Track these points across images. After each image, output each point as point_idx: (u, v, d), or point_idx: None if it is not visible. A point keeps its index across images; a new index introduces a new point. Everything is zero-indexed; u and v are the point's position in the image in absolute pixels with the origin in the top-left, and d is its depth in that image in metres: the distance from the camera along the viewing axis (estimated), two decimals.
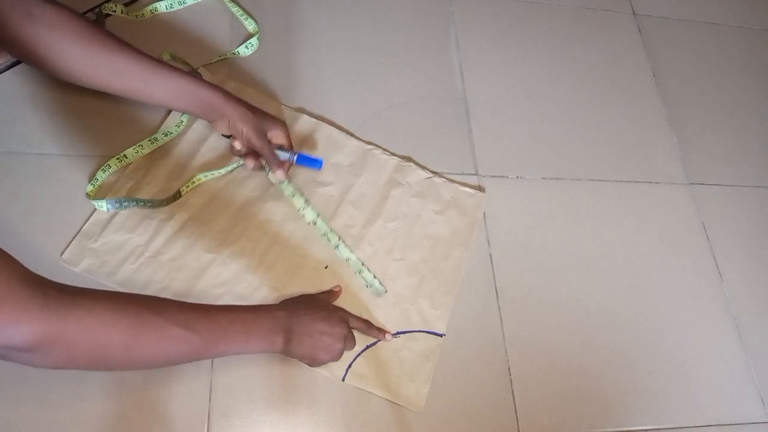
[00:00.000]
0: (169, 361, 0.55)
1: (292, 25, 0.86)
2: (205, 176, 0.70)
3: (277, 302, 0.64)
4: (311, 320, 0.59)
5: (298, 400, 0.61)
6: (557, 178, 0.83)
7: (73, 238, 0.63)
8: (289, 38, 0.85)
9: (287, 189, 0.71)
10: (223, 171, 0.71)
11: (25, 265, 0.61)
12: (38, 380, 0.57)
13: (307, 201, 0.71)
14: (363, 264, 0.69)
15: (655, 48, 1.01)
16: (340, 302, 0.67)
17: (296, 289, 0.66)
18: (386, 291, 0.69)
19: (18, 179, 0.66)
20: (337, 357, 0.62)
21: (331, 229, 0.70)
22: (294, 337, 0.58)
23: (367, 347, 0.65)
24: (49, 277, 0.62)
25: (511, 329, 0.70)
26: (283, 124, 0.70)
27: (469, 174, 0.80)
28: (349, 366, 0.63)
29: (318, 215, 0.70)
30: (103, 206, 0.65)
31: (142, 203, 0.66)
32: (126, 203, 0.65)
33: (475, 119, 0.85)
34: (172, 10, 0.82)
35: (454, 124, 0.84)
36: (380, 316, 0.67)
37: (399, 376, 0.64)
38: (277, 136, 0.69)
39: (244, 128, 0.67)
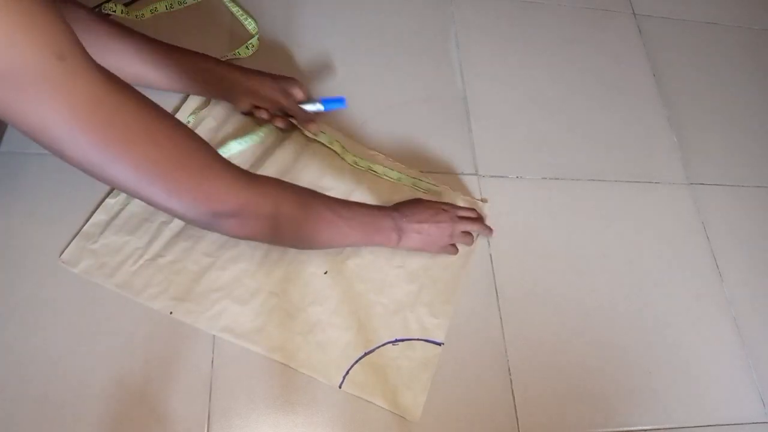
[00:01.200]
0: (322, 242, 0.64)
1: (292, 25, 0.86)
2: (240, 144, 0.72)
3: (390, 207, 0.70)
4: (418, 219, 0.68)
5: (297, 400, 0.61)
6: (557, 178, 0.83)
7: (73, 238, 0.63)
8: (289, 38, 0.85)
9: (324, 138, 0.75)
10: (257, 137, 0.73)
11: (24, 264, 0.62)
12: (38, 380, 0.57)
13: (344, 147, 0.76)
14: (415, 177, 0.76)
15: (655, 48, 1.01)
16: (341, 302, 0.67)
17: (295, 295, 0.66)
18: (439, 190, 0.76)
19: (18, 179, 0.66)
20: (452, 250, 0.71)
21: (374, 162, 0.76)
22: (404, 235, 0.67)
23: (365, 354, 0.65)
24: (48, 279, 0.62)
25: (511, 329, 0.70)
26: (297, 80, 0.74)
27: (469, 174, 0.80)
28: (346, 373, 0.63)
29: (356, 156, 0.76)
30: None
31: None
32: None
33: (475, 119, 0.85)
34: (172, 10, 0.82)
35: (454, 124, 0.84)
36: (379, 323, 0.67)
37: (396, 385, 0.64)
38: (296, 93, 0.73)
39: (272, 97, 0.70)
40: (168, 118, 0.49)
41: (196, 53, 0.70)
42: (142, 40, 0.67)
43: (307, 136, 0.75)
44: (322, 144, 0.75)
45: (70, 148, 0.44)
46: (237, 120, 0.74)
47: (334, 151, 0.75)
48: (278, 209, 0.57)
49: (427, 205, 0.70)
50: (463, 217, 0.71)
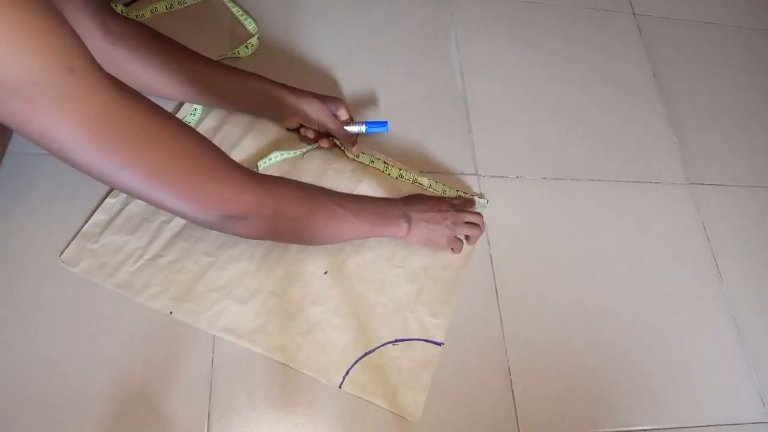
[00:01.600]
0: (331, 236, 0.65)
1: (292, 25, 0.86)
2: (281, 155, 0.73)
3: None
4: (423, 209, 0.69)
5: (297, 400, 0.61)
6: (557, 178, 0.83)
7: (73, 238, 0.63)
8: (289, 38, 0.85)
9: (365, 158, 0.76)
10: (299, 152, 0.74)
11: (24, 264, 0.62)
12: (38, 380, 0.57)
13: (386, 162, 0.76)
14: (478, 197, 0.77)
15: (655, 48, 1.01)
16: (341, 302, 0.67)
17: (295, 294, 0.66)
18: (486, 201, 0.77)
19: (18, 179, 0.66)
20: (458, 244, 0.70)
21: (420, 173, 0.77)
22: (413, 223, 0.67)
23: (366, 354, 0.65)
24: (48, 279, 0.62)
25: (511, 329, 0.70)
26: (342, 101, 0.75)
27: (469, 174, 0.80)
28: (346, 373, 0.63)
29: (401, 169, 0.76)
30: None
31: None
32: None
33: (475, 119, 0.85)
34: (172, 9, 0.82)
35: (454, 124, 0.84)
36: (379, 323, 0.67)
37: (396, 385, 0.64)
38: (342, 113, 0.74)
39: (320, 118, 0.72)
40: (175, 122, 0.50)
41: (245, 72, 0.71)
42: (199, 59, 0.68)
43: (348, 157, 0.76)
44: (364, 164, 0.76)
45: (80, 157, 0.44)
46: (237, 119, 0.74)
47: (378, 170, 0.76)
48: (286, 208, 0.58)
49: (429, 197, 0.72)
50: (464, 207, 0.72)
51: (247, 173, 0.55)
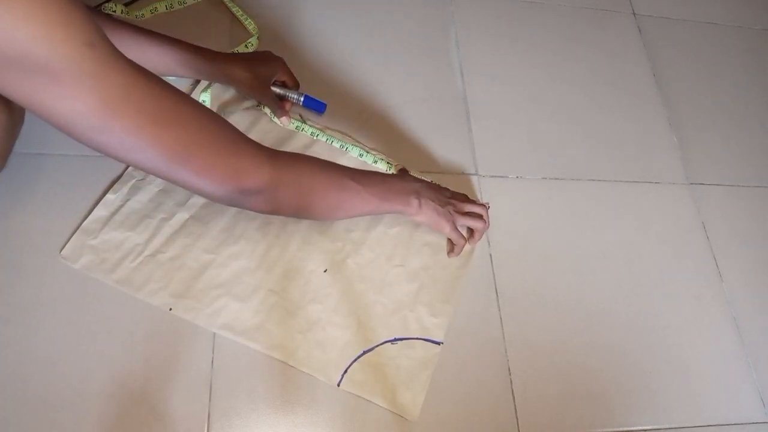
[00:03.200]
0: (345, 211, 0.65)
1: (292, 25, 0.86)
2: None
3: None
4: (437, 191, 0.70)
5: (297, 400, 0.61)
6: (557, 178, 0.83)
7: (73, 234, 0.63)
8: (289, 38, 0.85)
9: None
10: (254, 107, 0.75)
11: (24, 260, 0.62)
12: (38, 380, 0.57)
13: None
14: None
15: (655, 48, 1.01)
16: (340, 301, 0.67)
17: (295, 293, 0.66)
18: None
19: (18, 177, 0.66)
20: (461, 238, 0.70)
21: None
22: (423, 201, 0.67)
23: (364, 353, 0.65)
24: (48, 275, 0.62)
25: (511, 329, 0.70)
26: (281, 62, 0.74)
27: (469, 174, 0.80)
28: (345, 371, 0.63)
29: (343, 144, 0.76)
30: None
31: None
32: None
33: (475, 119, 0.85)
34: (172, 10, 0.82)
35: (454, 124, 0.84)
36: (379, 322, 0.66)
37: (395, 384, 0.64)
38: (279, 75, 0.74)
39: (244, 81, 0.70)
40: (190, 101, 0.50)
41: (177, 42, 0.68)
42: (127, 29, 0.66)
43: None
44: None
45: (104, 135, 0.45)
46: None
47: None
48: (301, 182, 0.58)
49: (434, 183, 0.73)
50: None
51: (262, 148, 0.56)
